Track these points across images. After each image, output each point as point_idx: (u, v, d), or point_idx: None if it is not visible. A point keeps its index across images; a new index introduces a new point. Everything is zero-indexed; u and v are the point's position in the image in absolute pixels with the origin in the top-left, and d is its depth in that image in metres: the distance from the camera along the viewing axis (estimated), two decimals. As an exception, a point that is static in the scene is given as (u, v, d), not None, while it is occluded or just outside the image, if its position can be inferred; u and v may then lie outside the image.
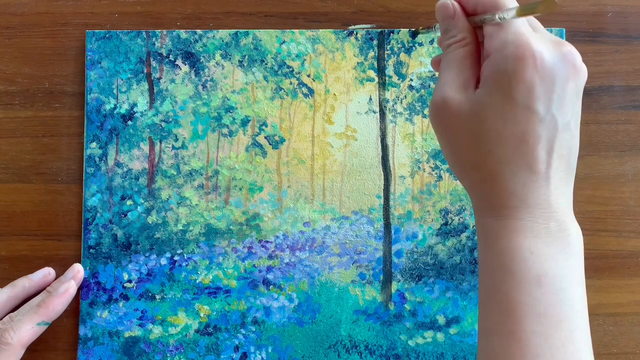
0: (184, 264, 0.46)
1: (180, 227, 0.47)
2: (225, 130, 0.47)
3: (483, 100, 0.30)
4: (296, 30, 0.48)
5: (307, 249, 0.47)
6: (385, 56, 0.48)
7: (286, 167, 0.47)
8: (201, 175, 0.47)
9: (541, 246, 0.29)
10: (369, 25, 0.48)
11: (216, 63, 0.48)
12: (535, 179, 0.29)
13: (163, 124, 0.47)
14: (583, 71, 0.30)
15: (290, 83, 0.48)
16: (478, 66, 0.32)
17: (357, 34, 0.48)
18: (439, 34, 0.36)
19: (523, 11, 0.28)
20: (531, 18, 0.32)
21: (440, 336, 0.46)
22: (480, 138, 0.30)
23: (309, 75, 0.48)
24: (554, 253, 0.29)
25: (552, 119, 0.29)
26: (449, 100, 0.31)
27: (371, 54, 0.48)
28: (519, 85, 0.28)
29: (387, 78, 0.48)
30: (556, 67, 0.29)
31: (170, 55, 0.48)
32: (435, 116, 0.32)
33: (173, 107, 0.47)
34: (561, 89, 0.29)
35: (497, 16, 0.30)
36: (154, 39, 0.48)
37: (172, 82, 0.48)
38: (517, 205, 0.29)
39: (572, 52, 0.29)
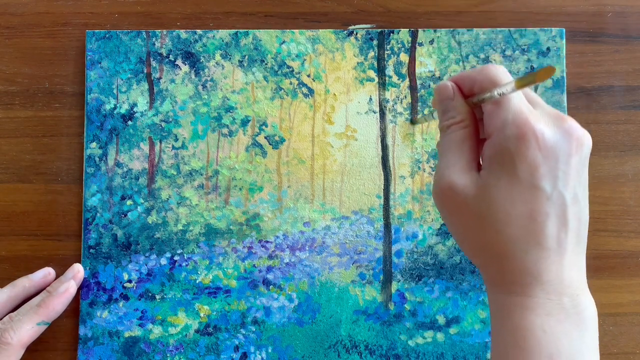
0: (184, 264, 0.46)
1: (180, 227, 0.47)
2: (225, 130, 0.47)
3: (488, 183, 0.29)
4: (296, 30, 0.48)
5: (307, 249, 0.47)
6: (385, 56, 0.48)
7: (286, 167, 0.47)
8: (201, 175, 0.47)
9: (554, 324, 0.28)
10: (369, 25, 0.48)
11: (216, 63, 0.48)
12: (547, 256, 0.29)
13: (163, 124, 0.47)
14: (586, 143, 0.30)
15: (290, 83, 0.48)
16: (478, 147, 0.32)
17: (357, 34, 0.48)
18: (436, 118, 0.35)
19: (522, 83, 0.27)
20: (529, 92, 0.32)
21: (440, 336, 0.46)
22: (488, 220, 0.29)
23: (309, 75, 0.48)
24: (568, 330, 0.28)
25: (559, 195, 0.28)
26: (454, 185, 0.31)
27: (371, 54, 0.48)
28: (522, 165, 0.28)
29: (387, 78, 0.48)
30: (558, 144, 0.29)
31: (170, 55, 0.48)
32: (441, 201, 0.32)
33: (173, 107, 0.47)
34: (565, 165, 0.29)
35: (496, 92, 0.29)
36: (154, 39, 0.48)
37: (172, 82, 0.48)
38: (530, 282, 0.29)
39: (573, 126, 0.29)
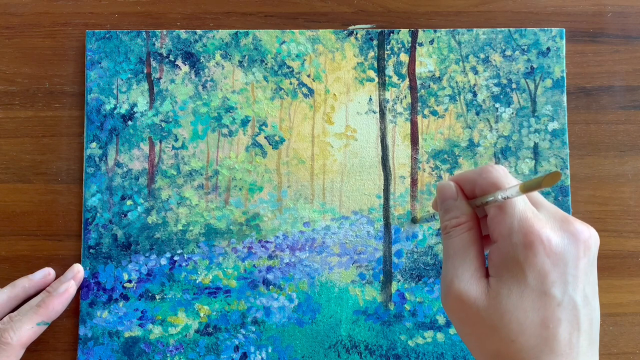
0: (184, 264, 0.46)
1: (180, 227, 0.47)
2: (225, 130, 0.47)
3: (500, 292, 0.29)
4: (296, 31, 0.48)
5: (307, 249, 0.47)
6: (385, 56, 0.48)
7: (286, 167, 0.47)
8: (201, 175, 0.47)
9: None
10: (369, 25, 0.48)
11: (216, 63, 0.48)
12: None
13: (163, 124, 0.47)
14: (594, 244, 0.30)
15: (290, 83, 0.48)
16: (483, 251, 0.32)
17: (357, 34, 0.48)
18: (438, 219, 0.35)
19: (527, 187, 0.27)
20: (532, 192, 0.31)
21: (440, 336, 0.46)
22: (502, 330, 0.29)
23: (309, 75, 0.48)
24: None
25: (570, 300, 0.28)
26: (464, 296, 0.30)
27: (371, 54, 0.48)
28: (532, 273, 0.28)
29: (387, 78, 0.48)
30: (566, 249, 0.28)
31: (170, 55, 0.48)
32: (451, 310, 0.31)
33: (173, 107, 0.47)
34: (574, 269, 0.28)
35: (500, 196, 0.29)
36: (154, 39, 0.48)
37: (172, 82, 0.48)
38: None
39: (579, 229, 0.29)
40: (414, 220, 0.47)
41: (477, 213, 0.33)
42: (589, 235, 0.29)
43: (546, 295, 0.28)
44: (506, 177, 0.30)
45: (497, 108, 0.48)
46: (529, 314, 0.28)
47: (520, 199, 0.29)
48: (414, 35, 0.48)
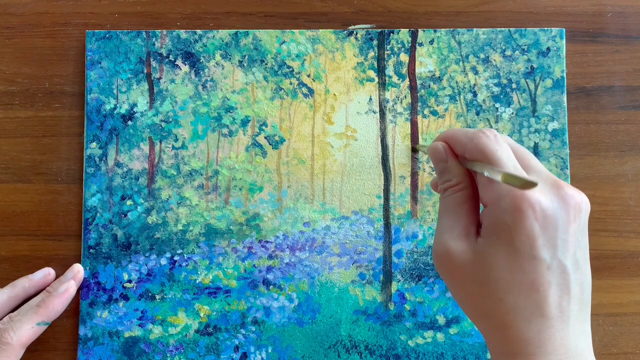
0: (184, 264, 0.46)
1: (180, 227, 0.47)
2: (225, 130, 0.47)
3: (487, 251, 0.29)
4: (296, 30, 0.48)
5: (307, 249, 0.47)
6: (385, 56, 0.48)
7: (286, 167, 0.47)
8: (201, 175, 0.47)
9: None
10: (369, 25, 0.48)
11: (216, 63, 0.48)
12: (550, 325, 0.28)
13: (163, 124, 0.47)
14: (584, 209, 0.29)
15: (290, 83, 0.48)
16: (477, 208, 0.32)
17: (357, 34, 0.48)
18: None
19: (507, 180, 0.27)
20: (525, 155, 0.31)
21: (440, 336, 0.46)
22: (489, 287, 0.29)
23: (309, 75, 0.48)
24: None
25: (560, 264, 0.28)
26: (451, 250, 0.30)
27: (371, 54, 0.48)
28: (520, 236, 0.28)
29: (387, 78, 0.48)
30: (556, 213, 0.28)
31: (170, 55, 0.48)
32: (440, 266, 0.32)
33: (173, 107, 0.47)
34: (564, 233, 0.28)
35: (485, 173, 0.29)
36: (154, 39, 0.48)
37: (172, 82, 0.48)
38: (534, 353, 0.28)
39: (570, 193, 0.29)
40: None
41: (470, 172, 0.33)
42: (580, 200, 0.29)
43: (535, 259, 0.28)
44: (496, 144, 0.30)
45: (497, 108, 0.48)
46: (517, 274, 0.28)
47: (510, 163, 0.29)
48: (414, 35, 0.48)
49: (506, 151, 0.30)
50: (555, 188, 0.29)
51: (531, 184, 0.25)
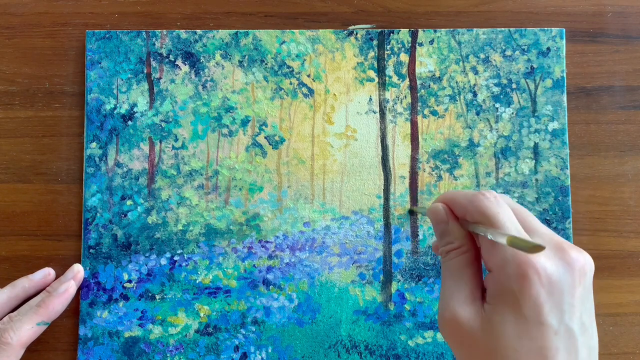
0: (184, 264, 0.46)
1: (180, 227, 0.47)
2: (225, 130, 0.47)
3: (494, 318, 0.29)
4: (296, 31, 0.48)
5: (307, 249, 0.47)
6: (385, 56, 0.48)
7: (286, 167, 0.47)
8: (201, 175, 0.47)
9: None
10: (369, 25, 0.48)
11: (216, 63, 0.48)
12: None
13: (163, 124, 0.47)
14: (589, 271, 0.29)
15: (290, 83, 0.48)
16: (480, 272, 0.32)
17: (357, 34, 0.48)
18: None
19: (513, 244, 0.27)
20: (526, 217, 0.31)
21: (440, 336, 0.46)
22: (497, 355, 0.29)
23: (309, 75, 0.48)
24: None
25: (567, 328, 0.28)
26: (459, 317, 0.30)
27: (371, 54, 0.48)
28: (527, 303, 0.28)
29: (387, 78, 0.48)
30: (562, 278, 0.28)
31: (170, 55, 0.48)
32: (447, 332, 0.31)
33: (173, 107, 0.47)
34: (570, 298, 0.28)
35: (489, 235, 0.29)
36: (154, 39, 0.48)
37: (172, 82, 0.48)
38: None
39: (574, 257, 0.29)
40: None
41: (472, 234, 0.32)
42: (584, 262, 0.29)
43: (542, 324, 0.28)
44: (498, 207, 0.30)
45: (497, 108, 0.48)
46: (525, 341, 0.28)
47: (513, 226, 0.29)
48: (414, 35, 0.48)
49: (508, 213, 0.30)
50: (559, 251, 0.29)
51: (538, 248, 0.25)
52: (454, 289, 0.31)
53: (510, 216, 0.30)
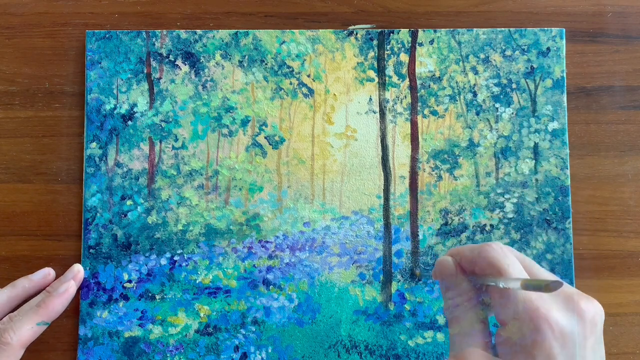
0: (184, 264, 0.46)
1: (180, 227, 0.47)
2: (225, 130, 0.47)
3: None
4: (296, 31, 0.48)
5: (307, 249, 0.47)
6: (385, 56, 0.48)
7: (286, 167, 0.47)
8: (201, 175, 0.47)
9: None
10: (369, 25, 0.48)
11: (216, 63, 0.48)
12: None
13: (163, 124, 0.47)
14: (600, 320, 0.30)
15: (290, 83, 0.48)
16: (488, 326, 0.32)
17: (357, 34, 0.48)
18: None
19: (528, 286, 0.27)
20: (532, 267, 0.31)
21: (440, 336, 0.46)
22: None
23: (309, 76, 0.48)
24: None
25: None
26: None
27: (371, 54, 0.48)
28: (541, 356, 0.28)
29: (387, 78, 0.48)
30: (574, 330, 0.28)
31: (170, 55, 0.48)
32: None
33: (173, 107, 0.47)
34: (582, 349, 0.29)
35: (501, 284, 0.29)
36: (154, 39, 0.48)
37: (172, 82, 0.48)
38: None
39: (585, 308, 0.29)
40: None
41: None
42: (595, 313, 0.29)
43: None
44: (505, 258, 0.30)
45: (497, 108, 0.48)
46: None
47: (522, 275, 0.29)
48: (414, 35, 0.48)
49: (516, 263, 0.30)
50: (570, 302, 0.29)
51: (554, 285, 0.25)
52: (466, 345, 0.31)
53: (518, 266, 0.30)
